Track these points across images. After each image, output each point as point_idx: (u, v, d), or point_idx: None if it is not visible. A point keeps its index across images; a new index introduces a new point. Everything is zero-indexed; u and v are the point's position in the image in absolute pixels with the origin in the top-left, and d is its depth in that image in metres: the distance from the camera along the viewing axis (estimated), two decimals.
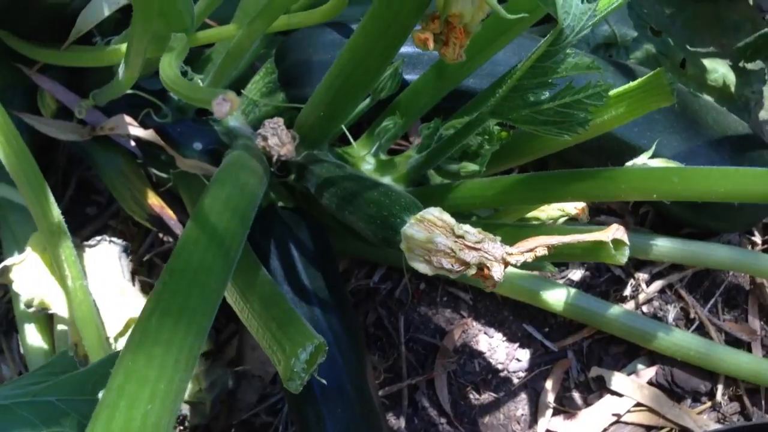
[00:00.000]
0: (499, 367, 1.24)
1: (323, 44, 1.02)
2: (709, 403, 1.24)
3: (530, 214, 1.03)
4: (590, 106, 0.70)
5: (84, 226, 1.24)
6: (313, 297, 0.92)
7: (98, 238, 1.14)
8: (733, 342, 1.27)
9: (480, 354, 1.25)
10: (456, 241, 0.59)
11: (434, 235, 0.60)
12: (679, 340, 1.21)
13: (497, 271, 0.58)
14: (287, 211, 1.00)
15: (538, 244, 0.60)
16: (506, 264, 0.59)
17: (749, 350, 1.27)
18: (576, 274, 1.29)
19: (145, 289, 1.23)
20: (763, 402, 1.24)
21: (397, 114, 0.92)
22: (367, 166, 0.97)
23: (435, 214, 0.63)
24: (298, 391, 0.65)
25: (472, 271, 0.58)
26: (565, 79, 0.70)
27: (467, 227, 0.61)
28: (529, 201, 0.93)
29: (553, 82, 0.70)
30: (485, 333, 1.26)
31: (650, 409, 1.23)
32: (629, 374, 1.25)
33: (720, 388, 1.24)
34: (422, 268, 0.61)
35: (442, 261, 0.59)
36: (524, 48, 1.05)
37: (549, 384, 1.25)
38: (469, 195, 0.84)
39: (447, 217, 0.62)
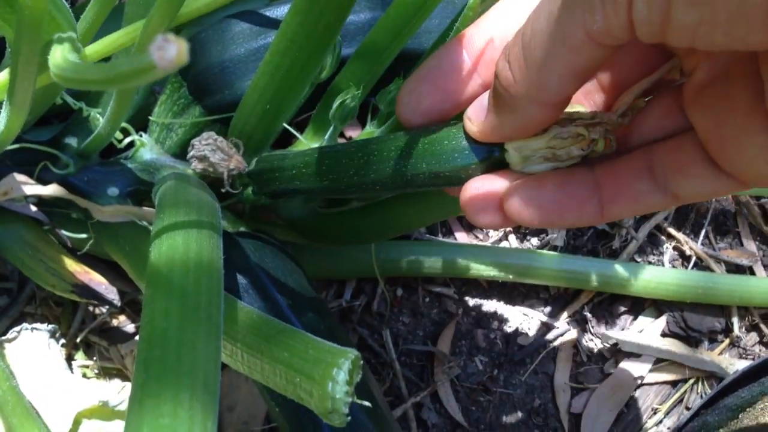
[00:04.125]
0: (503, 359, 1.12)
1: (233, 38, 0.87)
2: (727, 340, 1.15)
3: None
4: None
5: None
6: (304, 327, 0.77)
7: (17, 328, 0.95)
8: (734, 269, 1.19)
9: (479, 350, 1.12)
10: (575, 125, 0.54)
11: (550, 131, 0.54)
12: (682, 281, 1.12)
13: (612, 142, 0.55)
14: (244, 237, 0.85)
15: (632, 96, 0.54)
16: (620, 126, 0.55)
17: (752, 273, 1.19)
18: (558, 239, 1.18)
19: (87, 374, 1.04)
20: None
21: (353, 86, 0.78)
22: None
23: None
24: (345, 424, 0.50)
25: (600, 147, 0.54)
26: None
27: (576, 107, 0.56)
28: None
29: None
30: (479, 326, 1.14)
31: (672, 362, 1.13)
32: (640, 331, 1.15)
33: (735, 321, 1.15)
34: (544, 167, 0.55)
35: (572, 149, 0.54)
36: None
37: (560, 363, 1.13)
38: None
39: None
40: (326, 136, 0.85)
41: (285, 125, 0.81)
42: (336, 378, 0.50)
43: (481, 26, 0.57)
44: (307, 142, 0.83)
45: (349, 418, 0.51)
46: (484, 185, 0.56)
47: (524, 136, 0.54)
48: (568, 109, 0.55)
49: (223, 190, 0.78)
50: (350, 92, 0.82)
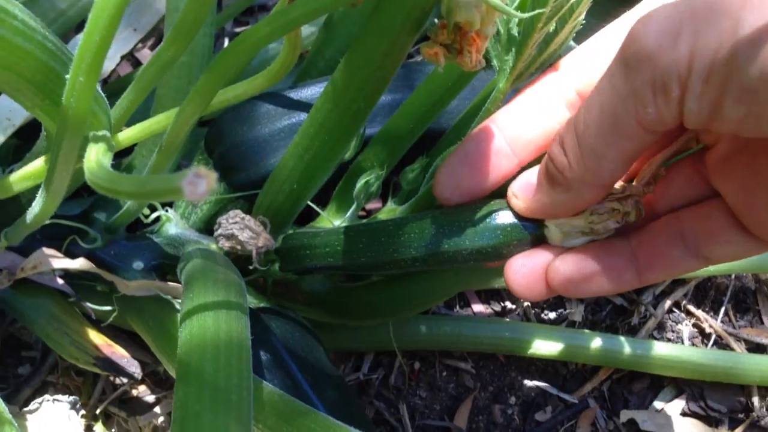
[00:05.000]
0: None
1: (258, 119, 0.90)
2: (747, 420, 1.14)
3: None
4: None
5: (19, 390, 1.06)
6: (324, 405, 0.78)
7: (39, 399, 0.96)
8: (754, 348, 1.18)
9: (496, 426, 1.12)
10: (609, 201, 0.58)
11: (588, 209, 0.58)
12: (702, 359, 1.11)
13: (641, 210, 0.59)
14: (266, 313, 0.86)
15: (655, 167, 0.58)
16: (645, 194, 0.59)
17: None
18: (576, 314, 1.18)
19: None
20: None
21: (376, 166, 0.80)
22: None
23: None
24: None
25: (632, 218, 0.58)
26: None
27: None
28: None
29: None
30: (496, 401, 1.13)
31: None
32: (660, 410, 1.14)
33: (755, 400, 1.14)
34: (582, 241, 0.59)
35: (609, 223, 0.58)
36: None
37: None
38: None
39: None
40: (348, 213, 0.87)
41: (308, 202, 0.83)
42: None
43: (511, 110, 0.62)
44: (329, 219, 0.85)
45: None
46: (527, 261, 0.60)
47: (571, 214, 0.58)
48: None
49: (251, 267, 0.80)
50: (374, 172, 0.84)
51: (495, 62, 0.65)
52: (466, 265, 0.67)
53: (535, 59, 0.62)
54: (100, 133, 0.56)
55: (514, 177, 0.64)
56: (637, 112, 0.46)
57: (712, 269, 1.14)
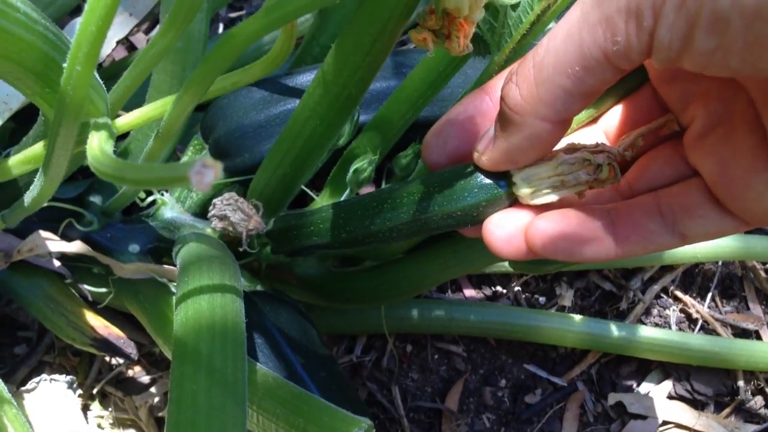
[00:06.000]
0: (510, 417, 1.13)
1: (253, 104, 0.91)
2: (733, 404, 1.16)
3: None
4: None
5: (15, 370, 1.07)
6: (316, 387, 0.80)
7: (36, 379, 0.97)
8: (740, 333, 1.21)
9: (486, 408, 1.14)
10: (581, 152, 0.57)
11: (558, 158, 0.57)
12: (688, 344, 1.13)
13: (616, 171, 0.58)
14: (260, 296, 0.87)
15: (635, 136, 0.58)
16: (623, 161, 0.58)
17: (758, 338, 1.20)
18: (566, 299, 1.20)
19: (102, 425, 1.06)
20: None
21: (369, 152, 0.82)
22: None
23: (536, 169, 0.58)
24: None
25: (605, 174, 0.57)
26: None
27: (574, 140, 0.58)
28: None
29: None
30: (487, 384, 1.15)
31: (678, 425, 1.14)
32: (647, 393, 1.16)
33: (741, 384, 1.16)
34: (553, 197, 0.58)
35: (580, 174, 0.57)
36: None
37: (566, 423, 1.14)
38: None
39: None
40: (342, 198, 0.88)
41: (302, 187, 0.84)
42: None
43: (502, 76, 0.61)
44: (323, 204, 0.86)
45: None
46: (506, 217, 0.59)
47: (532, 159, 0.56)
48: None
49: (240, 249, 0.81)
50: (367, 158, 0.85)
51: (488, 37, 0.66)
52: (443, 231, 0.66)
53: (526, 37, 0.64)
54: (101, 120, 0.57)
55: None
56: (605, 41, 0.44)
57: (700, 255, 1.16)
